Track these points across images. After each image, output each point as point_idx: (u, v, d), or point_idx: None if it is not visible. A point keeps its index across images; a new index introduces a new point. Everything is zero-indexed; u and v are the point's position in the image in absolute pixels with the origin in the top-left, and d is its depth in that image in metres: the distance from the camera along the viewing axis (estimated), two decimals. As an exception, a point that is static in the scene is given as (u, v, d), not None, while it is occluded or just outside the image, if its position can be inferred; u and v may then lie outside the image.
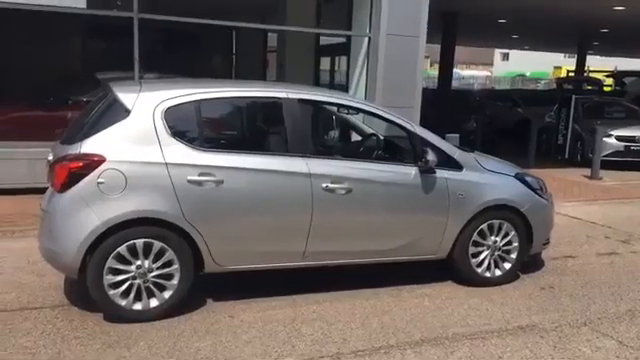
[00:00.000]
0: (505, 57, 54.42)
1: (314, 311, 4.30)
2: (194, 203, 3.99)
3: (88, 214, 3.82)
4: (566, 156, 13.27)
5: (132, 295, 3.95)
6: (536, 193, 5.08)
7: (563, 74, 44.42)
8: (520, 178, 5.06)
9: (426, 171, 4.56)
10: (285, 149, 4.30)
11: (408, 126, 4.64)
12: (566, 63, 47.26)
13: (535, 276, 5.25)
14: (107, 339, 3.74)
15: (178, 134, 4.04)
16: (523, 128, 16.11)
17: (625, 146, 12.39)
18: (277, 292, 4.54)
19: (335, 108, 4.78)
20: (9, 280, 4.71)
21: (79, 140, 3.95)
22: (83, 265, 3.87)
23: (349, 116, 5.15)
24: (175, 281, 4.04)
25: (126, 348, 3.63)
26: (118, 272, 3.91)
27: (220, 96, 4.29)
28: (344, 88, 10.07)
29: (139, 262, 3.94)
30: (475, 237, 4.79)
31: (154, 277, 3.99)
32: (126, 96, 4.03)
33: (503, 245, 4.90)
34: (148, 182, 3.92)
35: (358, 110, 4.69)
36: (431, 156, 4.44)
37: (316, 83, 12.89)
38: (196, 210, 4.00)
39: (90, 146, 3.89)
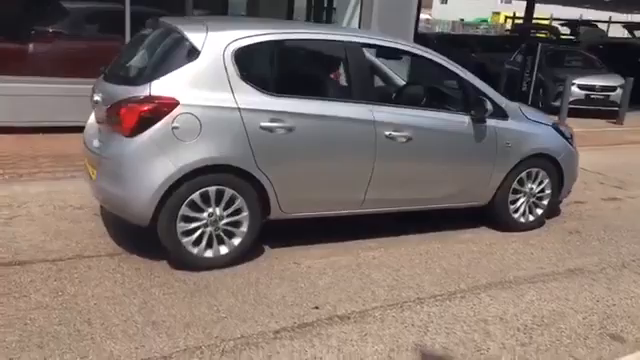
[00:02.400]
0: (444, 1, 54.67)
1: (374, 257, 4.37)
2: (265, 150, 3.89)
3: (162, 160, 3.65)
4: (529, 103, 13.73)
5: (204, 243, 3.87)
6: (568, 142, 5.29)
7: (502, 20, 45.34)
8: (556, 128, 5.24)
9: (478, 120, 4.63)
10: (350, 95, 4.23)
11: (463, 75, 4.66)
12: (502, 9, 48.18)
13: (558, 221, 5.53)
14: (186, 287, 3.67)
15: (248, 77, 3.87)
16: (479, 73, 16.50)
17: (586, 94, 12.97)
18: (326, 239, 4.54)
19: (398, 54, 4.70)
20: (46, 227, 4.46)
21: (145, 81, 3.71)
22: (155, 213, 3.72)
23: (401, 62, 5.09)
24: (244, 228, 3.97)
25: (211, 296, 3.58)
26: (191, 220, 3.80)
27: (289, 37, 4.13)
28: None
29: (211, 209, 3.83)
30: (515, 185, 4.97)
31: (224, 225, 3.91)
32: (195, 35, 3.79)
33: (538, 192, 5.12)
34: (222, 128, 3.77)
35: (420, 57, 4.63)
36: (489, 105, 4.51)
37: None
38: (267, 157, 3.90)
39: (160, 88, 3.67)
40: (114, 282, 3.68)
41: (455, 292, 3.90)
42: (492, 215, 5.07)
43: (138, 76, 3.85)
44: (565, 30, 23.10)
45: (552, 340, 3.37)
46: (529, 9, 23.68)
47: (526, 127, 4.93)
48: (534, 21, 25.34)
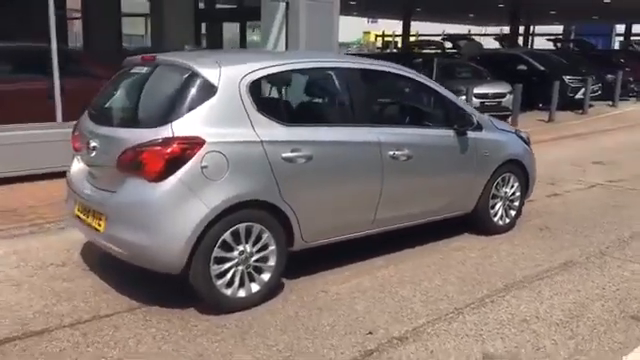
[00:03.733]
0: (315, 22, 56.28)
1: (390, 275, 4.44)
2: (288, 181, 3.84)
3: (194, 202, 3.48)
4: (431, 113, 14.58)
5: (237, 283, 3.72)
6: (528, 146, 5.74)
7: (372, 39, 47.71)
8: (517, 134, 5.67)
9: (461, 133, 4.91)
10: (356, 120, 4.31)
11: (444, 92, 4.92)
12: (371, 28, 50.69)
13: (523, 220, 5.92)
14: (232, 332, 3.50)
15: (264, 109, 3.82)
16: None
17: (481, 102, 14.02)
18: (335, 264, 4.52)
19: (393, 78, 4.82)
20: (39, 290, 4.04)
21: (163, 122, 3.53)
22: (188, 258, 3.53)
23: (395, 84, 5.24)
24: (272, 263, 3.88)
25: (262, 336, 3.45)
26: (223, 261, 3.65)
27: (297, 67, 4.13)
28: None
29: (241, 247, 3.71)
30: (493, 190, 5.30)
31: (254, 261, 3.79)
32: (208, 71, 3.67)
33: (510, 195, 5.49)
34: (248, 162, 3.68)
35: (412, 81, 4.80)
36: (474, 119, 4.80)
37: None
38: (290, 188, 3.85)
39: (183, 128, 3.51)
40: (153, 338, 3.42)
41: (483, 298, 4.07)
42: (475, 221, 5.35)
43: (150, 117, 3.66)
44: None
45: (590, 330, 3.64)
46: (406, 27, 25.18)
47: (498, 136, 5.30)
48: (397, 37, 27.01)
